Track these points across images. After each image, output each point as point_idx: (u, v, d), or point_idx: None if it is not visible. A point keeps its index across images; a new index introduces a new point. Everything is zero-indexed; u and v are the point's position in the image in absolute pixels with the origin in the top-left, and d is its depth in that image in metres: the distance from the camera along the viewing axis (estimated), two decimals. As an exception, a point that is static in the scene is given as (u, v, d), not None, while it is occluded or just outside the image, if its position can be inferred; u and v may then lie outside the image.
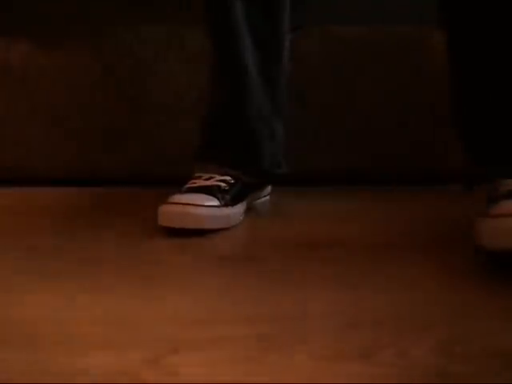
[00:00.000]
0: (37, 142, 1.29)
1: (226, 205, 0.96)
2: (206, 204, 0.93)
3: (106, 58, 1.28)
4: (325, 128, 1.27)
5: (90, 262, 0.80)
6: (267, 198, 1.12)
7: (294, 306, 0.65)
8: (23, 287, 0.71)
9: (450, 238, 0.88)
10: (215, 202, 0.95)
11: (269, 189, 1.12)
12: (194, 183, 0.98)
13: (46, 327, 0.60)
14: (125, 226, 0.97)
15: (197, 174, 1.00)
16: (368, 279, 0.73)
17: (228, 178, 0.99)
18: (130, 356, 0.53)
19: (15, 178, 1.27)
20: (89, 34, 1.28)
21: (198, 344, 0.56)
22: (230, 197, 0.97)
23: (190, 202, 0.92)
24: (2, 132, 1.29)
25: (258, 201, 1.09)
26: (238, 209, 0.98)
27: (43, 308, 0.65)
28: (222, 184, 0.98)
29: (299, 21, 1.27)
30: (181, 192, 0.95)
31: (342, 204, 1.09)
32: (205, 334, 0.58)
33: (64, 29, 1.28)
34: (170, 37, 1.28)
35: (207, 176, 0.99)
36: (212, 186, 0.97)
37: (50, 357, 0.54)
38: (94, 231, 0.95)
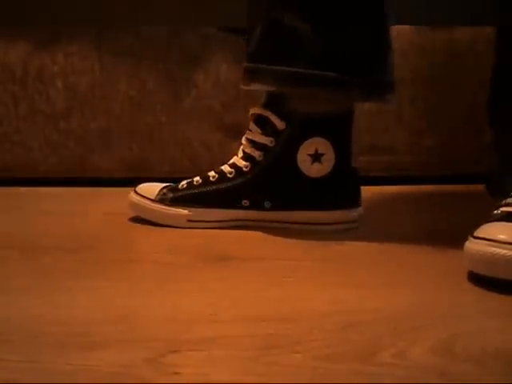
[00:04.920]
0: (37, 142, 1.29)
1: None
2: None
3: (105, 58, 1.28)
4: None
5: (90, 261, 0.80)
6: None
7: (293, 306, 0.65)
8: (23, 287, 0.71)
9: (451, 239, 0.88)
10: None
11: None
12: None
13: (46, 327, 0.60)
14: (125, 226, 0.97)
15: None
16: (368, 279, 0.73)
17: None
18: (130, 355, 0.53)
19: (15, 178, 1.27)
20: (89, 34, 1.28)
21: (198, 344, 0.56)
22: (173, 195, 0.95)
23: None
24: (2, 132, 1.29)
25: None
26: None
27: (43, 308, 0.65)
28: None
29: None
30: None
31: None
32: (205, 333, 0.58)
33: (64, 29, 1.28)
34: (170, 37, 1.28)
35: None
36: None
37: (50, 357, 0.54)
38: (94, 231, 0.95)
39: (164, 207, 0.95)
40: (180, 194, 0.95)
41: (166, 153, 1.29)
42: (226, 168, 0.95)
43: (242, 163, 0.94)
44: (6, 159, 1.29)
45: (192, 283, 0.72)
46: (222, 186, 0.94)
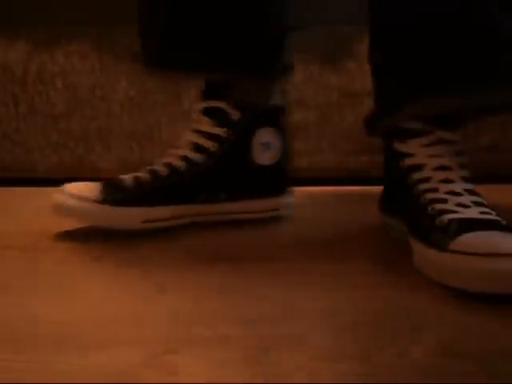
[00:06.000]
0: (37, 142, 1.29)
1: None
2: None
3: (105, 58, 1.28)
4: (325, 128, 1.27)
5: (90, 262, 0.80)
6: None
7: (294, 306, 0.65)
8: (23, 287, 0.71)
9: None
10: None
11: None
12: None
13: (45, 327, 0.60)
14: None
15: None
16: (368, 279, 0.73)
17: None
18: (130, 356, 0.53)
19: (15, 178, 1.27)
20: (89, 34, 1.28)
21: (198, 344, 0.56)
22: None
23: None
24: (2, 132, 1.29)
25: None
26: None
27: (43, 308, 0.65)
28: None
29: (300, 20, 1.27)
30: None
31: (342, 204, 1.09)
32: (205, 333, 0.58)
33: (64, 29, 1.28)
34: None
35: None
36: None
37: (50, 357, 0.54)
38: (95, 231, 0.94)
39: (113, 208, 0.87)
40: (130, 192, 0.88)
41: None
42: (175, 161, 0.90)
43: (193, 155, 0.91)
44: (6, 159, 1.29)
45: (191, 283, 0.72)
46: (176, 180, 0.90)
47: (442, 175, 0.78)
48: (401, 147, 0.83)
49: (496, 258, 0.64)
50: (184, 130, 1.28)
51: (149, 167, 0.92)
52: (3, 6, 1.27)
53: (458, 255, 0.67)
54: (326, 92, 1.27)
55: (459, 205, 0.74)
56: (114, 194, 0.87)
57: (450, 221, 0.71)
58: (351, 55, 1.27)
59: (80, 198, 0.86)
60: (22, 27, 1.28)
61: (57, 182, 1.25)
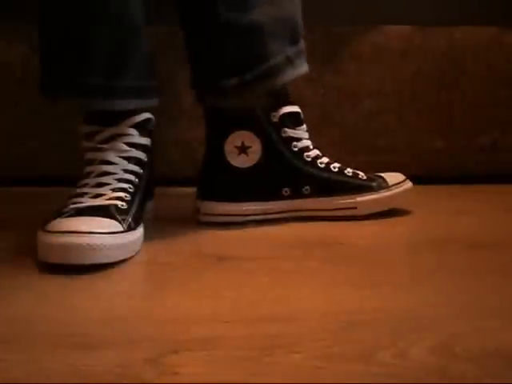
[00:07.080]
0: (37, 141, 1.29)
1: (129, 229, 0.80)
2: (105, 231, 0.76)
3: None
4: (325, 128, 1.27)
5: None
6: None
7: (293, 306, 0.65)
8: (23, 287, 0.71)
9: (451, 239, 0.89)
10: (117, 227, 0.78)
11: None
12: (80, 202, 0.81)
13: (45, 327, 0.60)
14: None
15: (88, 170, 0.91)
16: (367, 279, 0.73)
17: (123, 194, 0.85)
18: (130, 356, 0.54)
19: (15, 178, 1.27)
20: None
21: (198, 344, 0.56)
22: (131, 218, 0.82)
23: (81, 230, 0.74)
24: (2, 132, 1.29)
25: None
26: (140, 232, 0.85)
27: (43, 308, 0.65)
28: (119, 203, 0.83)
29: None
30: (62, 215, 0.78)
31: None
32: (205, 333, 0.58)
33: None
34: (170, 37, 1.28)
35: (94, 193, 0.84)
36: (109, 206, 0.81)
37: (49, 357, 0.54)
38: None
39: (136, 233, 0.83)
40: (133, 212, 0.85)
41: (166, 153, 1.29)
42: (125, 185, 0.87)
43: (136, 168, 0.90)
44: (6, 159, 1.29)
45: (191, 283, 0.72)
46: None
47: None
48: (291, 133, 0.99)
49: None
50: (184, 130, 1.29)
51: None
52: (3, 6, 1.27)
53: None
54: (326, 92, 1.27)
55: None
56: (126, 220, 0.82)
57: None
58: (351, 55, 1.27)
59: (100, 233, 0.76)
60: (21, 27, 1.28)
61: (57, 182, 1.26)
